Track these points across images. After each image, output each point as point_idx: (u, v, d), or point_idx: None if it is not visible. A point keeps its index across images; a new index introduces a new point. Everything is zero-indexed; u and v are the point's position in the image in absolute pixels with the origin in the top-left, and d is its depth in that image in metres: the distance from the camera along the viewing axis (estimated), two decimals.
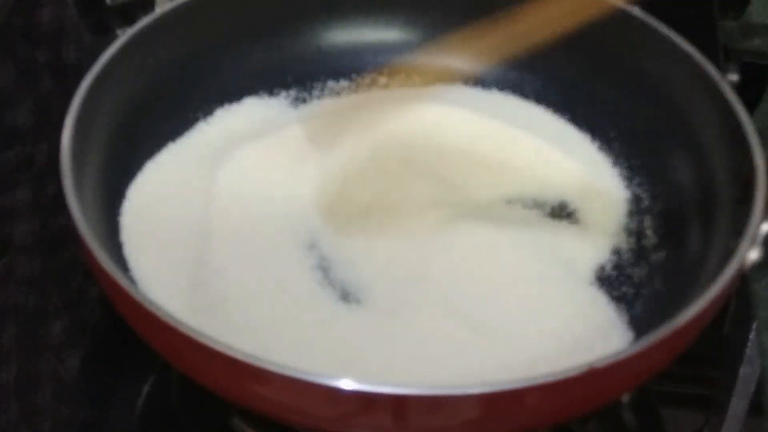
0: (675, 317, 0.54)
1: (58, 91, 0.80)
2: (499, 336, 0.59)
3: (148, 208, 0.65)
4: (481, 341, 0.59)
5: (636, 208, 0.68)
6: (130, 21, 0.69)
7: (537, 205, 0.67)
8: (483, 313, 0.61)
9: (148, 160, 0.68)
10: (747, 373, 0.66)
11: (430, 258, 0.63)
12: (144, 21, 0.67)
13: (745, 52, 0.82)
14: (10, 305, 0.67)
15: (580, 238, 0.65)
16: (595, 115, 0.72)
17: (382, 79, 0.75)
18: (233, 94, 0.72)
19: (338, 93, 0.74)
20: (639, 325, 0.61)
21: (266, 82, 0.73)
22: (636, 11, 0.69)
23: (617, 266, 0.64)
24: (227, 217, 0.64)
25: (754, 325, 0.68)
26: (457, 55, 0.75)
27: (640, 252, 0.65)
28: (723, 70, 0.79)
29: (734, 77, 0.80)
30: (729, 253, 0.57)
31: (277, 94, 0.74)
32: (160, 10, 0.69)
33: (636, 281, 0.64)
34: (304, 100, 0.74)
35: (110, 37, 0.67)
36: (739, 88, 0.65)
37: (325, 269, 0.62)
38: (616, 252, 0.65)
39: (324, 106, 0.73)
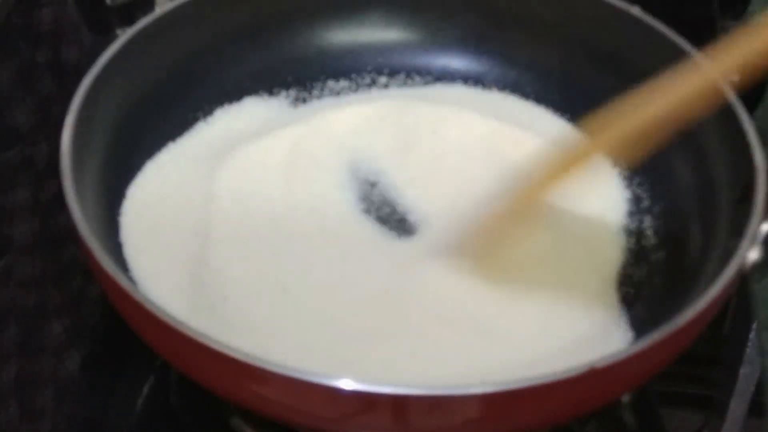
0: (675, 317, 0.54)
1: (58, 91, 0.80)
2: (499, 336, 0.59)
3: (148, 208, 0.65)
4: (481, 341, 0.59)
5: (636, 208, 0.68)
6: (130, 21, 0.69)
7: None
8: (483, 313, 0.61)
9: (148, 160, 0.68)
10: (747, 373, 0.66)
11: (427, 260, 0.63)
12: (144, 21, 0.67)
13: None
14: (10, 305, 0.67)
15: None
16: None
17: (382, 79, 0.75)
18: (233, 94, 0.72)
19: (338, 93, 0.74)
20: (639, 325, 0.61)
21: (266, 82, 0.73)
22: (636, 11, 0.69)
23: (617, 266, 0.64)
24: (227, 217, 0.64)
25: (754, 325, 0.68)
26: (457, 55, 0.75)
27: (640, 252, 0.65)
28: None
29: (734, 77, 0.80)
30: (729, 253, 0.57)
31: (277, 94, 0.74)
32: (160, 10, 0.69)
33: (636, 281, 0.64)
34: (304, 100, 0.74)
35: (110, 37, 0.67)
36: (739, 88, 0.65)
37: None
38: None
39: (324, 105, 0.73)
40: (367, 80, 0.75)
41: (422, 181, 0.68)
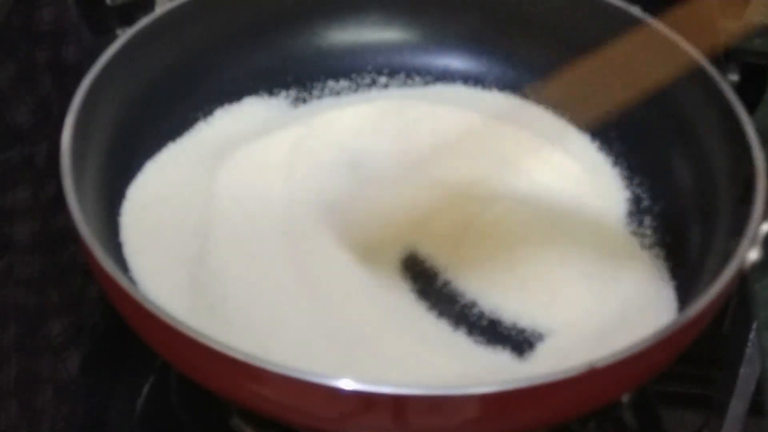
0: (675, 317, 0.54)
1: (58, 91, 0.80)
2: (500, 336, 0.59)
3: (147, 208, 0.65)
4: (479, 341, 0.59)
5: (636, 208, 0.68)
6: (130, 21, 0.69)
7: (536, 205, 0.67)
8: (482, 313, 0.61)
9: (148, 160, 0.68)
10: (747, 373, 0.66)
11: (427, 258, 0.63)
12: (144, 21, 0.67)
13: (745, 52, 0.82)
14: (10, 305, 0.67)
15: (579, 238, 0.65)
16: None
17: (382, 79, 0.75)
18: (233, 94, 0.72)
19: (338, 93, 0.74)
20: None
21: (266, 82, 0.73)
22: (636, 11, 0.69)
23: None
24: (227, 217, 0.64)
25: (754, 325, 0.68)
26: (457, 55, 0.75)
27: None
28: (723, 70, 0.79)
29: (734, 77, 0.80)
30: (729, 253, 0.57)
31: (277, 94, 0.74)
32: (160, 10, 0.69)
33: None
34: (304, 100, 0.74)
35: (110, 37, 0.67)
36: (739, 88, 0.65)
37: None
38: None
39: (324, 105, 0.73)
40: (367, 80, 0.75)
41: (422, 181, 0.68)
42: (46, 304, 0.67)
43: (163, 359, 0.57)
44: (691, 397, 0.66)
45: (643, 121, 0.70)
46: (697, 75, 0.66)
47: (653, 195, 0.68)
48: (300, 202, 0.65)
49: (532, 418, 0.54)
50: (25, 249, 0.70)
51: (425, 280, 0.63)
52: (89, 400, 0.64)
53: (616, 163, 0.70)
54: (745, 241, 0.57)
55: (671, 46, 0.64)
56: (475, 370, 0.58)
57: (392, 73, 0.75)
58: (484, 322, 0.61)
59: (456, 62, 0.75)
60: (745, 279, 0.67)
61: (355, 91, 0.74)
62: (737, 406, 0.65)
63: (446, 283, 0.63)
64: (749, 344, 0.67)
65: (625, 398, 0.63)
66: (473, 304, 0.62)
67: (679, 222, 0.65)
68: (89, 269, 0.57)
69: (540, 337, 0.60)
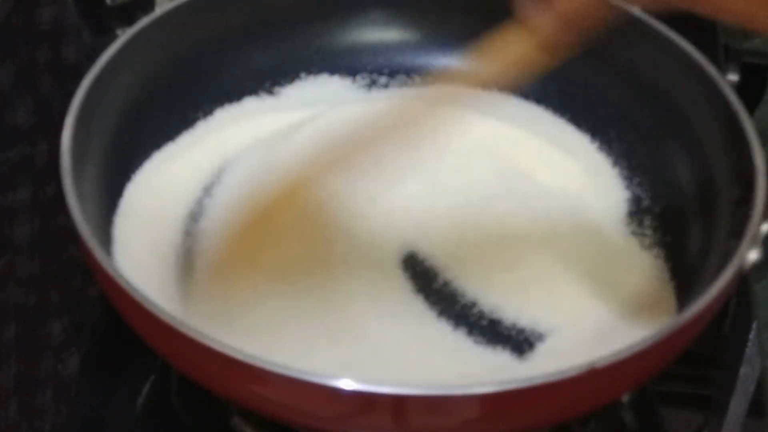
0: (675, 317, 0.54)
1: (58, 91, 0.80)
2: (500, 336, 0.59)
3: (147, 207, 0.65)
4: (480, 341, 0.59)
5: (636, 208, 0.68)
6: (130, 21, 0.69)
7: (536, 205, 0.67)
8: (482, 313, 0.61)
9: (148, 160, 0.68)
10: (747, 373, 0.66)
11: (427, 258, 0.63)
12: (144, 21, 0.67)
13: (745, 52, 0.82)
14: (10, 305, 0.67)
15: (579, 238, 0.65)
16: (595, 115, 0.72)
17: (382, 79, 0.75)
18: (233, 94, 0.72)
19: (338, 93, 0.74)
20: None
21: (266, 82, 0.73)
22: (636, 11, 0.69)
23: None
24: (227, 217, 0.64)
25: (754, 325, 0.68)
26: (457, 55, 0.75)
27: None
28: (723, 70, 0.79)
29: (734, 77, 0.80)
30: (729, 253, 0.57)
31: (277, 94, 0.74)
32: (160, 10, 0.69)
33: None
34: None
35: (110, 37, 0.67)
36: (739, 88, 0.65)
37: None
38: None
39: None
40: (367, 80, 0.75)
41: (422, 181, 0.68)
42: (46, 304, 0.67)
43: (163, 359, 0.57)
44: (691, 397, 0.66)
45: (643, 121, 0.70)
46: (697, 75, 0.66)
47: (653, 195, 0.68)
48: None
49: (532, 418, 0.54)
50: (25, 249, 0.70)
51: (425, 280, 0.63)
52: (89, 400, 0.64)
53: (616, 163, 0.70)
54: (745, 241, 0.57)
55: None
56: (475, 370, 0.58)
57: (392, 73, 0.75)
58: (484, 322, 0.61)
59: (456, 62, 0.75)
60: (745, 279, 0.67)
61: (355, 91, 0.74)
62: (737, 406, 0.65)
63: (446, 283, 0.63)
64: (749, 344, 0.67)
65: (625, 398, 0.63)
66: (473, 304, 0.62)
67: (679, 222, 0.65)
68: (89, 269, 0.57)
69: (540, 337, 0.60)
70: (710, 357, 0.67)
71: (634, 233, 0.66)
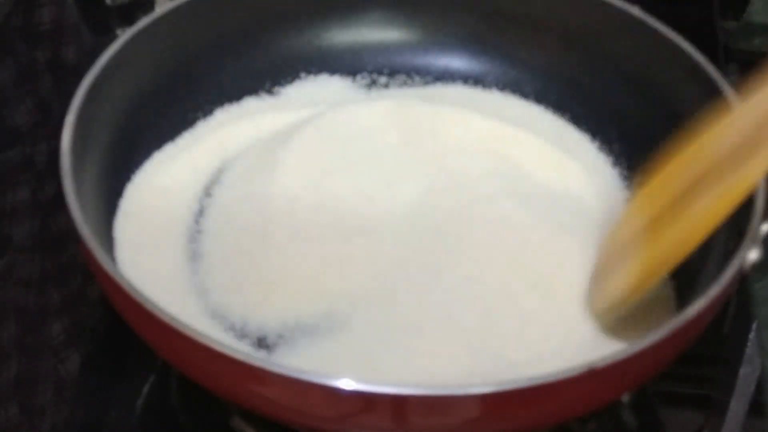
0: (675, 317, 0.54)
1: (58, 91, 0.80)
2: (499, 335, 0.59)
3: (146, 207, 0.65)
4: (480, 341, 0.59)
5: None
6: (130, 21, 0.69)
7: (536, 205, 0.67)
8: (482, 313, 0.61)
9: (148, 160, 0.68)
10: (747, 373, 0.66)
11: (428, 258, 0.63)
12: (144, 21, 0.67)
13: (745, 52, 0.82)
14: (10, 305, 0.67)
15: (579, 238, 0.65)
16: (595, 115, 0.72)
17: (382, 79, 0.75)
18: (233, 94, 0.72)
19: (338, 93, 0.74)
20: None
21: (266, 82, 0.73)
22: (636, 11, 0.70)
23: None
24: (226, 217, 0.64)
25: (754, 325, 0.68)
26: (457, 55, 0.75)
27: None
28: (723, 70, 0.79)
29: (734, 77, 0.80)
30: (729, 253, 0.57)
31: (277, 94, 0.74)
32: (160, 10, 0.69)
33: None
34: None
35: (110, 37, 0.67)
36: (739, 88, 0.65)
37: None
38: None
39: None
40: (367, 80, 0.75)
41: (422, 181, 0.68)
42: (46, 304, 0.67)
43: (163, 359, 0.57)
44: (691, 397, 0.66)
45: (643, 121, 0.70)
46: (697, 75, 0.66)
47: None
48: (300, 201, 0.65)
49: (532, 418, 0.54)
50: (25, 249, 0.70)
51: (425, 280, 0.63)
52: (89, 400, 0.64)
53: (616, 163, 0.70)
54: (745, 241, 0.57)
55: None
56: (478, 368, 0.58)
57: (392, 73, 0.75)
58: (484, 321, 0.61)
59: (456, 62, 0.75)
60: (745, 279, 0.67)
61: (356, 91, 0.74)
62: (737, 406, 0.65)
63: (446, 281, 0.63)
64: (749, 344, 0.67)
65: (625, 398, 0.63)
66: (473, 302, 0.62)
67: None
68: (89, 269, 0.57)
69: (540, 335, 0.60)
70: (710, 357, 0.67)
71: None
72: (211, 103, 0.72)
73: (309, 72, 0.74)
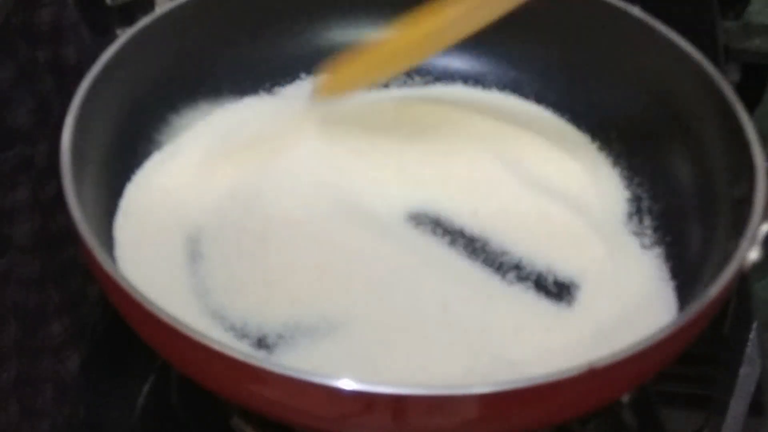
0: (675, 317, 0.54)
1: (58, 91, 0.80)
2: (499, 335, 0.59)
3: (146, 207, 0.65)
4: (479, 341, 0.59)
5: (636, 208, 0.68)
6: (130, 21, 0.69)
7: (536, 205, 0.67)
8: (482, 313, 0.61)
9: (148, 160, 0.68)
10: (747, 373, 0.66)
11: (428, 258, 0.63)
12: (144, 21, 0.67)
13: (745, 52, 0.82)
14: (10, 305, 0.67)
15: (579, 238, 0.65)
16: (595, 115, 0.72)
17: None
18: (233, 93, 0.72)
19: None
20: None
21: (266, 82, 0.73)
22: (636, 11, 0.70)
23: None
24: (226, 217, 0.64)
25: (754, 325, 0.68)
26: (457, 55, 0.75)
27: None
28: (723, 70, 0.79)
29: (734, 77, 0.80)
30: (729, 253, 0.57)
31: (277, 93, 0.74)
32: (160, 10, 0.69)
33: None
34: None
35: (110, 37, 0.67)
36: (739, 88, 0.65)
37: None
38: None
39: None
40: None
41: (422, 181, 0.68)
42: (46, 304, 0.67)
43: (163, 359, 0.57)
44: (691, 397, 0.66)
45: (643, 121, 0.70)
46: (697, 75, 0.66)
47: (653, 195, 0.68)
48: (300, 201, 0.65)
49: (532, 418, 0.54)
50: (25, 249, 0.70)
51: (425, 279, 0.63)
52: (89, 400, 0.64)
53: (616, 163, 0.70)
54: (745, 241, 0.57)
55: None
56: (477, 368, 0.58)
57: None
58: (484, 321, 0.61)
59: (456, 62, 0.75)
60: (745, 279, 0.67)
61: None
62: (737, 406, 0.65)
63: (446, 281, 0.63)
64: (749, 344, 0.67)
65: (625, 398, 0.63)
66: (473, 302, 0.62)
67: (679, 222, 0.65)
68: (89, 269, 0.57)
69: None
70: (710, 357, 0.67)
71: (634, 233, 0.66)
72: (211, 102, 0.72)
73: (309, 72, 0.74)
